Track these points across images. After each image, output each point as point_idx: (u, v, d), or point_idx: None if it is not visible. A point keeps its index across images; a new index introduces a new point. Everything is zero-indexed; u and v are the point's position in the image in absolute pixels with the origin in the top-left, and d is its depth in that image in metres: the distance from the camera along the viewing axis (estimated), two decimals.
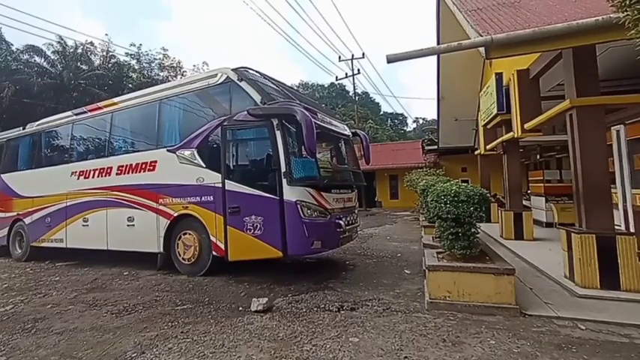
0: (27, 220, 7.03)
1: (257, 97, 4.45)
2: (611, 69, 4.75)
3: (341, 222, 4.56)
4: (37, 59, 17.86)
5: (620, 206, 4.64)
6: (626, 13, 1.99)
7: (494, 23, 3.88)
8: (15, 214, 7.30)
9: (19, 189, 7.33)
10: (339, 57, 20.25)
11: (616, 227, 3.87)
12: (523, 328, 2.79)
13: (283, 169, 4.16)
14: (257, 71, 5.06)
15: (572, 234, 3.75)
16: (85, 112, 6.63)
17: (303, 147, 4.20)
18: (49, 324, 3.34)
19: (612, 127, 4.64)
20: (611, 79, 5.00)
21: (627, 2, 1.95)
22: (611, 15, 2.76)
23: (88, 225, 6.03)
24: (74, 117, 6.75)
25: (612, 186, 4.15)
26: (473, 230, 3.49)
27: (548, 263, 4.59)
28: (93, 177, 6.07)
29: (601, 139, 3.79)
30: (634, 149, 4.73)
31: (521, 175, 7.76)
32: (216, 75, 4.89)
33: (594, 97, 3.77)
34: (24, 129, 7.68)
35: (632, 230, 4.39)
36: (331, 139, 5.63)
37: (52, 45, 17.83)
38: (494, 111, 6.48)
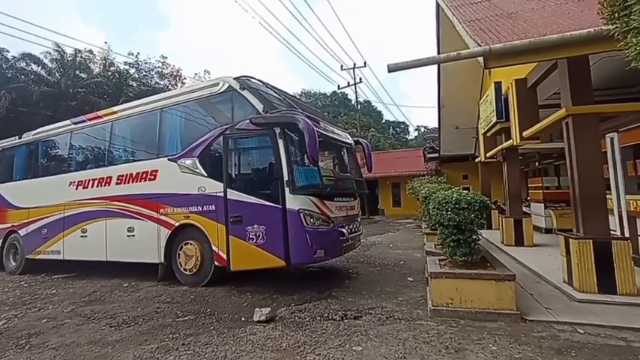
0: (22, 232, 6.91)
1: (259, 106, 4.49)
2: (604, 78, 4.89)
3: (344, 230, 4.56)
4: (34, 67, 17.77)
5: (615, 211, 4.72)
6: (615, 25, 2.07)
7: (493, 34, 3.97)
8: (9, 225, 7.17)
9: (14, 200, 7.23)
10: (341, 66, 20.51)
11: (611, 232, 3.94)
12: (524, 334, 2.83)
13: (286, 178, 4.17)
14: (259, 80, 5.09)
15: (570, 239, 3.81)
16: (84, 121, 6.62)
17: (305, 155, 4.24)
18: (45, 339, 3.26)
19: (606, 135, 4.75)
20: (604, 88, 5.14)
21: (616, 15, 2.03)
22: (602, 27, 2.86)
23: (86, 236, 5.96)
24: (73, 126, 6.73)
25: (607, 192, 4.23)
26: (474, 237, 3.52)
27: (547, 269, 4.64)
28: (92, 187, 6.03)
29: (596, 147, 3.88)
30: (627, 156, 4.85)
31: (520, 182, 7.86)
32: (218, 84, 4.92)
33: (589, 106, 3.87)
34: (20, 138, 7.61)
35: (626, 235, 4.46)
36: (333, 148, 5.68)
37: (50, 53, 17.81)
38: (494, 119, 6.59)
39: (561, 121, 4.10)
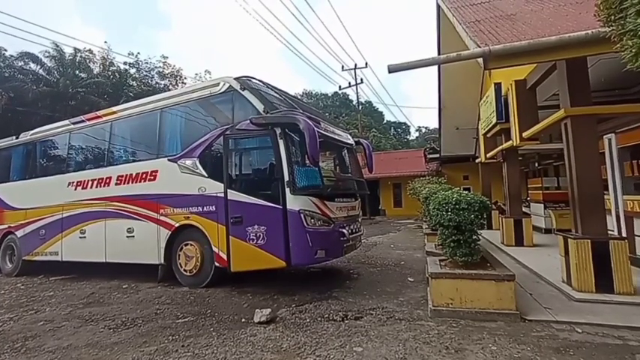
0: (19, 233, 6.87)
1: (260, 106, 4.48)
2: (602, 80, 4.92)
3: (344, 231, 4.56)
4: (33, 66, 17.67)
5: (613, 212, 4.75)
6: (611, 28, 2.10)
7: (492, 35, 3.99)
8: (6, 226, 7.13)
9: (11, 200, 7.18)
10: (342, 66, 20.58)
11: (609, 232, 3.96)
12: (523, 333, 2.85)
13: (286, 178, 4.17)
14: (260, 80, 5.09)
15: (569, 239, 3.83)
16: (83, 121, 6.59)
17: (306, 156, 4.24)
18: (41, 342, 3.22)
19: (604, 136, 4.78)
20: (601, 89, 5.17)
21: (612, 17, 2.06)
22: (599, 29, 2.89)
23: (85, 237, 5.93)
24: (72, 126, 6.70)
25: (605, 192, 4.26)
26: (474, 237, 3.54)
27: (547, 269, 4.67)
28: (91, 187, 6.00)
29: (594, 147, 3.91)
30: (624, 157, 4.88)
31: (520, 183, 7.90)
32: (219, 84, 4.91)
33: (587, 107, 3.90)
34: (17, 138, 7.55)
35: (623, 235, 4.49)
36: (334, 148, 5.70)
37: (49, 52, 17.72)
38: (494, 120, 6.62)
39: (560, 122, 4.12)
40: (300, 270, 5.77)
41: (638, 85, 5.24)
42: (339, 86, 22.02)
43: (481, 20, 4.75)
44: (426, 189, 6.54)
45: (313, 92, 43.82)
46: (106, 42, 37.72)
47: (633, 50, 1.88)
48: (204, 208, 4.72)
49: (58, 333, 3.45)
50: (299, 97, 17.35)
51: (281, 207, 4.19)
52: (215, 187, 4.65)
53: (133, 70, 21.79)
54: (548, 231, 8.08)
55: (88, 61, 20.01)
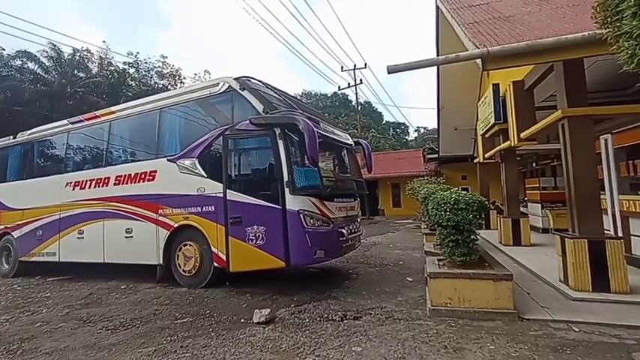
0: (15, 234, 6.83)
1: (259, 107, 4.48)
2: (598, 81, 4.97)
3: (344, 231, 4.57)
4: (31, 65, 17.56)
5: (609, 211, 4.79)
6: (607, 30, 2.12)
7: (491, 36, 4.02)
8: (2, 227, 7.10)
9: (8, 201, 7.15)
10: (342, 67, 20.62)
11: (605, 232, 4.00)
12: (521, 333, 2.87)
13: (286, 179, 4.17)
14: (259, 80, 5.10)
15: (566, 239, 3.86)
16: (81, 121, 6.56)
17: (305, 156, 4.25)
18: (38, 344, 3.20)
19: (601, 136, 4.82)
20: (598, 90, 5.22)
21: (608, 20, 2.08)
22: (596, 31, 2.91)
23: (83, 237, 5.90)
24: (70, 126, 6.68)
25: (601, 192, 4.30)
26: (472, 237, 3.56)
27: (544, 268, 4.70)
28: (89, 187, 5.98)
29: (590, 148, 3.95)
30: (620, 157, 4.93)
31: (518, 183, 7.95)
32: (218, 84, 4.91)
33: (584, 108, 3.94)
34: (14, 138, 7.51)
35: (620, 234, 4.53)
36: (334, 148, 5.71)
37: (47, 51, 17.61)
38: (492, 120, 6.67)
39: (557, 123, 4.16)
40: (299, 270, 5.78)
41: (634, 87, 5.29)
42: (339, 86, 22.14)
43: (480, 22, 4.78)
44: (425, 189, 6.57)
45: (312, 92, 43.86)
46: (104, 41, 37.46)
47: (629, 52, 1.91)
48: (204, 209, 4.72)
49: (55, 334, 3.43)
50: (298, 97, 17.33)
51: (280, 207, 4.19)
52: (214, 188, 4.64)
53: (132, 70, 21.73)
54: (545, 231, 8.13)
55: (86, 60, 19.93)
